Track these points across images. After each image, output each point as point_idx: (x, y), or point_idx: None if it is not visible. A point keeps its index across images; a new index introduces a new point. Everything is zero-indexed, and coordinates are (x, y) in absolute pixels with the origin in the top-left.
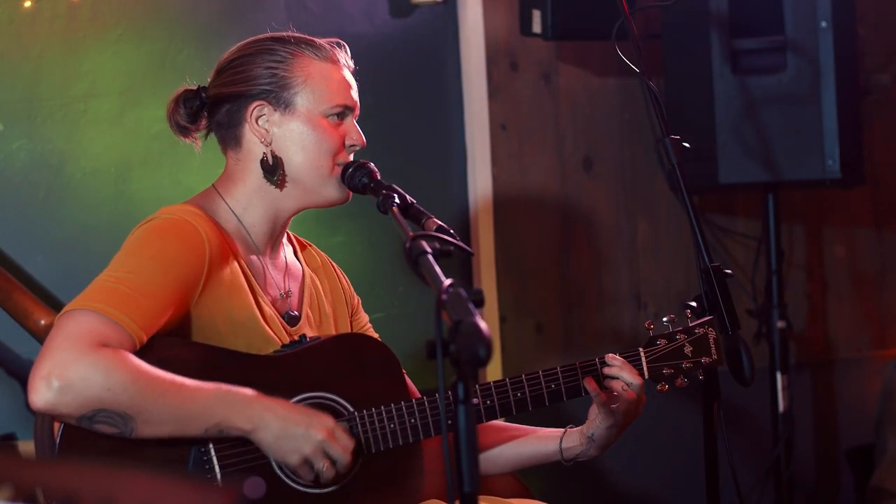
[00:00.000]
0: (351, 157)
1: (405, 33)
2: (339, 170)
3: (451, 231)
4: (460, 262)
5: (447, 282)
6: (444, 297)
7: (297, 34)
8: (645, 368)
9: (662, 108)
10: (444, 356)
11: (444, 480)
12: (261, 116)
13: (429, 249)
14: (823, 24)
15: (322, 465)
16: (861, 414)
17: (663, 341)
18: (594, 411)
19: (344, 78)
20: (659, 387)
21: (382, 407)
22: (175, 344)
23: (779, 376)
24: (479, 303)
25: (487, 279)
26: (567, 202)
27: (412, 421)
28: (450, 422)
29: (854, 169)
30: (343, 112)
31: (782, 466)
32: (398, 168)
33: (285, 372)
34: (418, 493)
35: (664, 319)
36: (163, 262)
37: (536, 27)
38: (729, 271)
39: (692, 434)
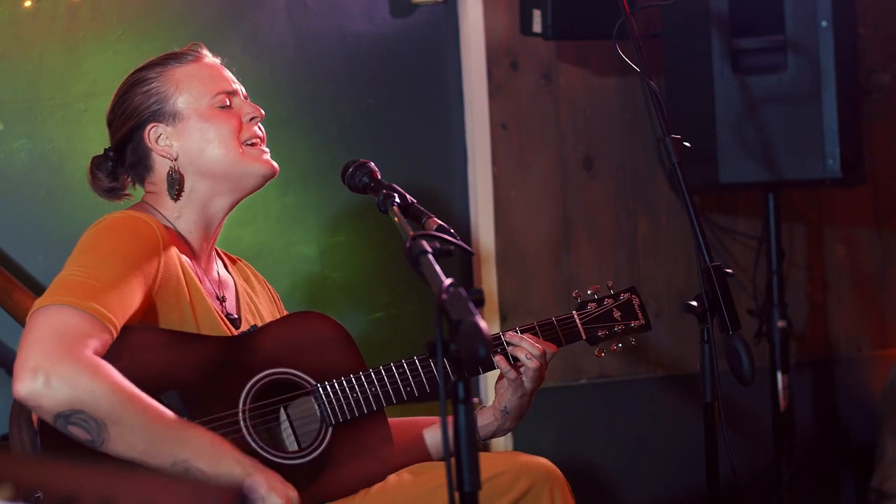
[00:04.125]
0: (257, 130)
1: (405, 33)
2: (248, 148)
3: (452, 230)
4: (461, 262)
5: (447, 281)
6: (445, 296)
7: (158, 56)
8: (581, 330)
9: (663, 108)
10: (444, 356)
11: (410, 456)
12: (158, 137)
13: (429, 249)
14: (824, 23)
15: None
16: (861, 414)
17: (593, 305)
18: (503, 386)
19: (213, 68)
20: (596, 352)
21: (343, 378)
22: (138, 330)
23: (779, 376)
24: (480, 302)
25: (488, 279)
26: (567, 202)
27: (373, 389)
28: (409, 389)
29: (854, 169)
30: (227, 97)
31: (783, 466)
32: (398, 168)
33: (246, 351)
34: (391, 458)
35: (589, 291)
36: (120, 254)
37: (537, 27)
38: (729, 271)
39: (692, 434)
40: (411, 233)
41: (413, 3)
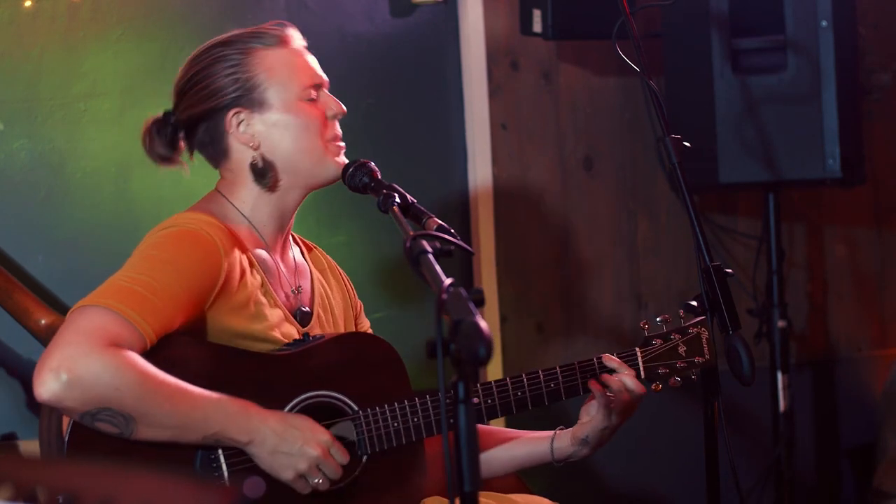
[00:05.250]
0: (337, 129)
1: (405, 33)
2: (331, 145)
3: (452, 230)
4: (461, 262)
5: (447, 281)
6: (445, 296)
7: (240, 31)
8: (641, 368)
9: (663, 108)
10: (445, 356)
11: (444, 479)
12: (241, 123)
13: (429, 249)
14: (824, 23)
15: (317, 481)
16: (861, 414)
17: (659, 341)
18: (588, 414)
19: (302, 57)
20: (653, 386)
21: (386, 405)
22: (182, 343)
23: (779, 376)
24: (480, 302)
25: (488, 279)
26: (567, 201)
27: (415, 420)
28: (451, 420)
29: (854, 168)
30: (315, 90)
31: (783, 466)
32: (398, 167)
33: (290, 370)
34: (421, 491)
35: (658, 319)
36: (177, 267)
37: (537, 27)
38: (729, 271)
39: (692, 434)
40: (411, 233)
41: (413, 3)
